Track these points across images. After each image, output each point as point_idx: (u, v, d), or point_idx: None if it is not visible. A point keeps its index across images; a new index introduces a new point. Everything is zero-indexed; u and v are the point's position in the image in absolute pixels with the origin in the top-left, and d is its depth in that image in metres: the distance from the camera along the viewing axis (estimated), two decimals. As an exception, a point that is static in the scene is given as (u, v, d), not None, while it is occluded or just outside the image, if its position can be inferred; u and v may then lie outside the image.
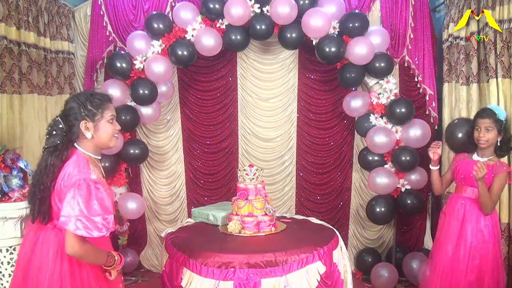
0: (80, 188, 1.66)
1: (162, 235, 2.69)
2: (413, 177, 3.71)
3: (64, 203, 1.66)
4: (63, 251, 1.71)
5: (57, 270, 1.74)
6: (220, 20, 3.64)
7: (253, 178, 2.67)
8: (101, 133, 1.85)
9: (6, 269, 2.30)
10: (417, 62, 3.95)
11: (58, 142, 1.81)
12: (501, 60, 2.98)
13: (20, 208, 2.31)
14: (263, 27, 3.56)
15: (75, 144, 1.84)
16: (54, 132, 1.83)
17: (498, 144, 2.57)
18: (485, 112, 2.58)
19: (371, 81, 3.81)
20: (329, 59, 3.64)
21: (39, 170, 1.84)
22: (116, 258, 1.85)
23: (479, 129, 2.57)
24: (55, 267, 1.75)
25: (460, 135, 2.97)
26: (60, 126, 1.82)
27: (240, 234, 2.58)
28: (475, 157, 2.66)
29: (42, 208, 1.79)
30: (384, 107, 3.72)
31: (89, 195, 1.66)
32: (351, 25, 3.59)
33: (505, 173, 2.52)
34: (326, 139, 4.27)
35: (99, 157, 1.91)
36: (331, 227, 2.80)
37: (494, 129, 2.54)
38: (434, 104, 3.96)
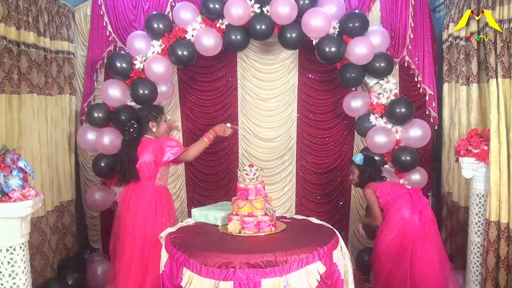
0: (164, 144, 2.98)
1: (162, 235, 2.68)
2: (413, 177, 3.71)
3: (166, 152, 2.94)
4: (152, 193, 2.98)
5: (153, 204, 2.95)
6: (220, 20, 3.64)
7: (253, 178, 2.66)
8: (160, 128, 3.10)
9: (6, 269, 2.29)
10: (417, 62, 3.95)
11: (135, 135, 3.02)
12: (501, 60, 2.97)
13: (20, 208, 2.30)
14: (263, 27, 3.56)
15: (145, 135, 3.05)
16: (132, 130, 3.03)
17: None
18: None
19: (371, 81, 3.81)
20: (329, 59, 3.64)
21: (123, 153, 3.02)
22: (211, 137, 3.05)
23: None
24: (152, 203, 2.96)
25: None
26: (135, 126, 3.04)
27: (240, 234, 2.58)
28: None
29: (126, 176, 3.01)
30: (384, 107, 3.72)
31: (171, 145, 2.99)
32: (351, 25, 3.59)
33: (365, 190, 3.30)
34: (326, 139, 4.27)
35: None
36: (331, 227, 2.79)
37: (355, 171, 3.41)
38: (434, 104, 3.96)
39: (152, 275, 2.80)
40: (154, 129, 3.06)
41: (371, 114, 3.77)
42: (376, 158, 3.77)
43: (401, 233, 3.05)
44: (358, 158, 3.41)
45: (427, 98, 3.96)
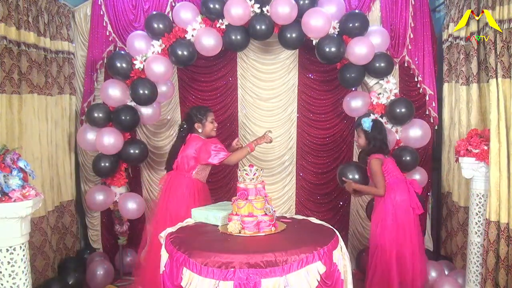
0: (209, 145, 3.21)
1: (162, 235, 2.68)
2: (413, 177, 3.71)
3: (211, 155, 3.17)
4: (188, 185, 3.23)
5: (187, 194, 3.20)
6: (220, 20, 3.64)
7: (253, 178, 2.66)
8: (206, 128, 3.34)
9: (6, 269, 2.29)
10: (417, 62, 3.95)
11: (184, 134, 3.35)
12: (501, 60, 2.97)
13: (20, 208, 2.30)
14: (263, 27, 3.56)
15: (194, 133, 3.33)
16: (182, 129, 3.38)
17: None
18: (356, 123, 3.43)
19: (371, 81, 3.81)
20: (329, 59, 3.64)
21: (174, 147, 3.39)
22: (254, 147, 3.31)
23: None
24: (185, 193, 3.21)
25: None
26: (185, 126, 3.36)
27: (240, 234, 2.58)
28: None
29: (171, 165, 3.35)
30: (384, 107, 3.72)
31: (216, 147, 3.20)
32: (351, 25, 3.59)
33: (373, 160, 3.23)
34: (326, 139, 4.27)
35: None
36: (331, 227, 2.79)
37: (361, 136, 3.32)
38: (434, 104, 3.96)
39: None
40: (200, 130, 3.32)
41: (371, 114, 3.76)
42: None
43: (400, 225, 3.15)
44: (367, 124, 3.26)
45: (427, 98, 3.96)
